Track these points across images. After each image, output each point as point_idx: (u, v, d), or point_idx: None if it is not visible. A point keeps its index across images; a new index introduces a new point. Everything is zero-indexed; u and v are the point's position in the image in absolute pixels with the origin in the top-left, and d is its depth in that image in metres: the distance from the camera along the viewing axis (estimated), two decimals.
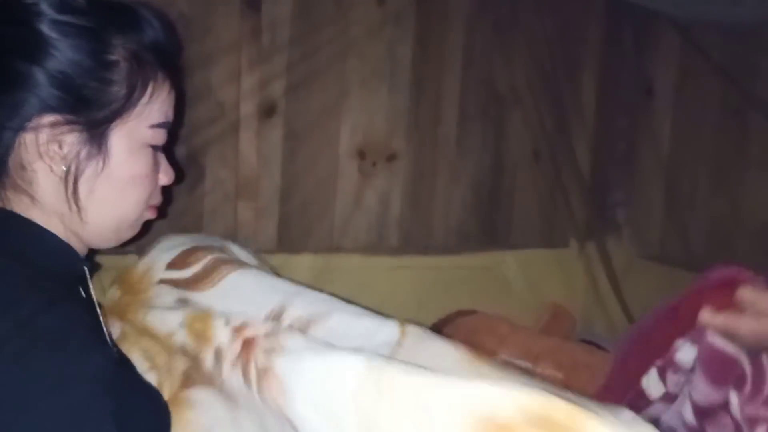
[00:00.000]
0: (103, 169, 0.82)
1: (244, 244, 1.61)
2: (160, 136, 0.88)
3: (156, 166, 0.89)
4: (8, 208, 0.82)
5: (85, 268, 0.89)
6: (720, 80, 1.93)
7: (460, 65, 1.79)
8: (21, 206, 0.82)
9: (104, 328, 0.89)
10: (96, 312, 0.89)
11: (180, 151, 1.51)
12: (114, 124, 0.82)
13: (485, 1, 1.79)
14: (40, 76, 0.77)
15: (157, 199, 0.93)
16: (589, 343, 1.83)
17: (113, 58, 0.81)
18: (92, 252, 0.95)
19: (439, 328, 1.72)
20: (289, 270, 1.62)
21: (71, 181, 0.80)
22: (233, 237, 1.62)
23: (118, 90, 0.81)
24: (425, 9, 1.73)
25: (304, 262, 1.64)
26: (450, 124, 1.79)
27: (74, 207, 0.81)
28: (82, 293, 0.87)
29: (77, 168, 0.80)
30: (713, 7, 1.51)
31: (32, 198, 0.81)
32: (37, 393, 0.67)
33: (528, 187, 1.88)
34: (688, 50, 1.91)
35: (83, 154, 0.80)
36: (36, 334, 0.69)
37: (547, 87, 1.87)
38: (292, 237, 1.66)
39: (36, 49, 0.77)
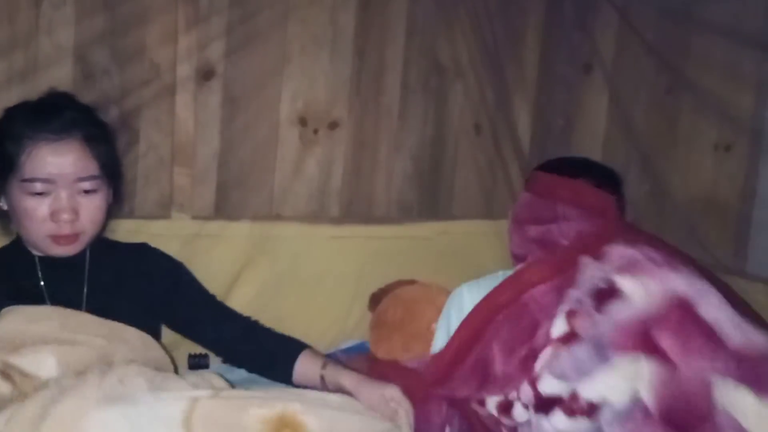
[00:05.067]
0: None
1: (180, 210, 1.59)
2: None
3: None
4: None
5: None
6: (654, 60, 1.99)
7: (403, 35, 1.77)
8: None
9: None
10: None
11: (112, 112, 1.45)
12: None
13: None
14: None
15: None
16: None
17: None
18: None
19: (378, 297, 1.72)
20: (227, 237, 1.59)
21: None
22: (169, 202, 1.57)
23: None
24: None
25: (242, 229, 1.61)
26: (392, 95, 1.78)
27: None
28: None
29: None
30: None
31: None
32: None
33: (469, 159, 1.89)
34: (625, 29, 1.95)
35: None
36: None
37: (489, 61, 1.88)
38: (230, 204, 1.63)
39: None
